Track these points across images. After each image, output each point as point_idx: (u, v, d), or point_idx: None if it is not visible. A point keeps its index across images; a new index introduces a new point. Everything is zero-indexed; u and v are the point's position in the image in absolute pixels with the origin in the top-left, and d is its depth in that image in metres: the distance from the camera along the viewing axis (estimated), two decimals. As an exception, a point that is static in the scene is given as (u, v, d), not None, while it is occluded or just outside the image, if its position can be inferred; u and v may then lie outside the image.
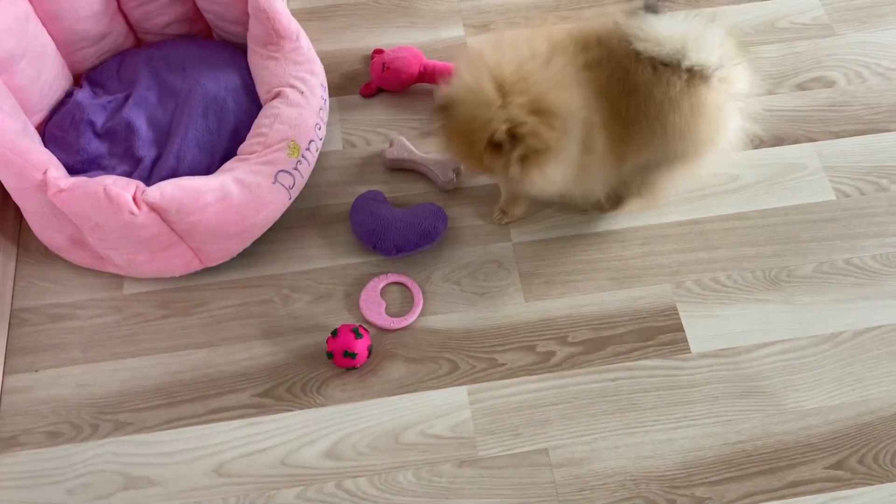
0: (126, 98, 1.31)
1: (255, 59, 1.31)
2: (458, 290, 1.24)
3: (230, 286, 1.25)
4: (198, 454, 1.11)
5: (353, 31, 1.52)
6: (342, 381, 1.16)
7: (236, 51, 1.37)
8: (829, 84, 1.44)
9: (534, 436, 1.12)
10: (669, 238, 1.28)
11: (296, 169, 1.22)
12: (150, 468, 1.10)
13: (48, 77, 1.27)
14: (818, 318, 1.21)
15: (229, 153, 1.26)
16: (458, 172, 1.32)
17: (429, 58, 1.43)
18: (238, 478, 1.09)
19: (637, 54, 1.03)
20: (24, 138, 1.11)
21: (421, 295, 1.23)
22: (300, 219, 1.31)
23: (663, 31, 1.01)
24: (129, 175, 1.23)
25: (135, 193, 1.08)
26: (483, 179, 1.34)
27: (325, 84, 1.32)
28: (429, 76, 1.41)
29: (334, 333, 1.14)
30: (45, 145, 1.24)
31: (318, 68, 1.31)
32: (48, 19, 1.26)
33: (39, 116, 1.27)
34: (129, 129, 1.27)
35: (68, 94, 1.33)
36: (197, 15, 1.40)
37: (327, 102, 1.32)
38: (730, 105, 1.07)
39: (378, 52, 1.45)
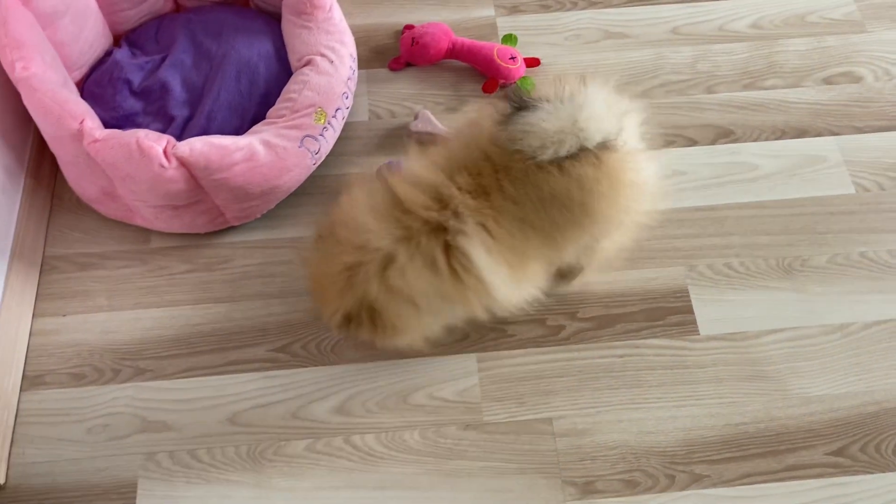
0: (162, 59, 1.36)
1: (288, 27, 1.34)
2: (474, 262, 1.26)
3: (253, 246, 1.28)
4: (213, 403, 1.15)
5: (385, 7, 1.54)
6: (355, 341, 1.20)
7: (270, 19, 1.41)
8: (856, 80, 1.44)
9: (538, 405, 1.15)
10: (685, 222, 1.30)
11: (321, 135, 1.25)
12: (166, 413, 1.14)
13: (89, 35, 1.32)
14: (829, 308, 1.22)
15: (258, 117, 1.30)
16: (480, 148, 1.35)
17: (458, 35, 1.45)
18: (250, 427, 1.13)
19: (538, 164, 0.93)
20: (63, 89, 1.15)
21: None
22: (323, 185, 1.34)
23: (552, 124, 0.91)
24: (163, 133, 1.27)
25: (165, 147, 1.12)
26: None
27: (355, 55, 1.35)
28: (457, 53, 1.43)
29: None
30: (84, 101, 1.28)
31: (349, 39, 1.34)
32: (92, -21, 1.30)
33: (79, 73, 1.32)
34: (164, 88, 1.31)
35: (108, 54, 1.37)
36: (235, -17, 1.44)
37: (356, 73, 1.35)
38: (641, 159, 0.99)
39: (408, 27, 1.48)
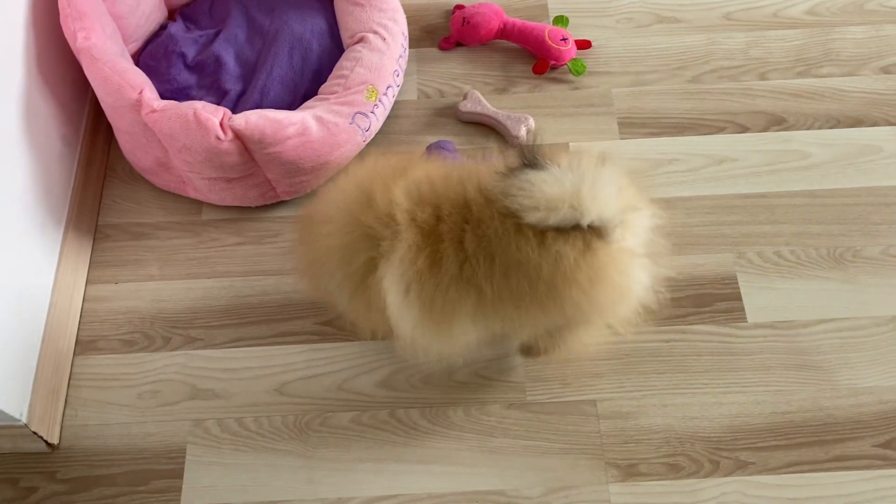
0: (216, 34, 1.37)
1: (341, 4, 1.35)
2: (520, 242, 1.26)
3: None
4: (261, 373, 1.17)
5: (436, -13, 1.55)
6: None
7: (323, -4, 1.41)
8: (915, 69, 1.41)
9: (583, 387, 1.15)
10: (735, 209, 1.29)
11: (372, 112, 1.26)
12: (215, 382, 1.16)
13: (146, 9, 1.33)
14: (880, 300, 1.20)
15: (310, 93, 1.31)
16: (528, 130, 1.34)
17: (509, 15, 1.45)
18: (297, 398, 1.15)
19: (518, 226, 0.86)
20: (123, 60, 1.17)
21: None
22: (372, 162, 1.35)
23: (552, 189, 0.84)
24: (215, 106, 1.29)
25: (222, 119, 1.13)
26: (552, 138, 1.35)
27: (406, 33, 1.35)
28: (508, 33, 1.43)
29: None
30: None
31: (401, 17, 1.35)
32: (150, -48, 1.32)
33: (135, 45, 1.34)
34: (218, 63, 1.32)
35: (162, 27, 1.39)
36: (288, -40, 1.45)
37: (407, 51, 1.35)
38: (634, 264, 0.91)
39: (459, 6, 1.48)
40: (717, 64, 1.44)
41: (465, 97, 1.38)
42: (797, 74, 1.42)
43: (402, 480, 1.09)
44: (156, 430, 1.13)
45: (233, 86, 1.31)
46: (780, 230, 1.27)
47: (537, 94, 1.41)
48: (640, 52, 1.46)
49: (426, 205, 0.91)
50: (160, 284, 1.25)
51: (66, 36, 1.16)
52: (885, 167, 1.31)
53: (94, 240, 1.29)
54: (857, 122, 1.36)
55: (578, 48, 1.43)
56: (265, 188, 1.24)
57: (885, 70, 1.41)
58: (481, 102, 1.37)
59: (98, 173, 1.33)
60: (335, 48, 1.34)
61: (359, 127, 1.24)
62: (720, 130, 1.37)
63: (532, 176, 0.85)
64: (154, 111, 1.13)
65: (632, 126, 1.37)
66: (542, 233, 0.86)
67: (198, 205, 1.31)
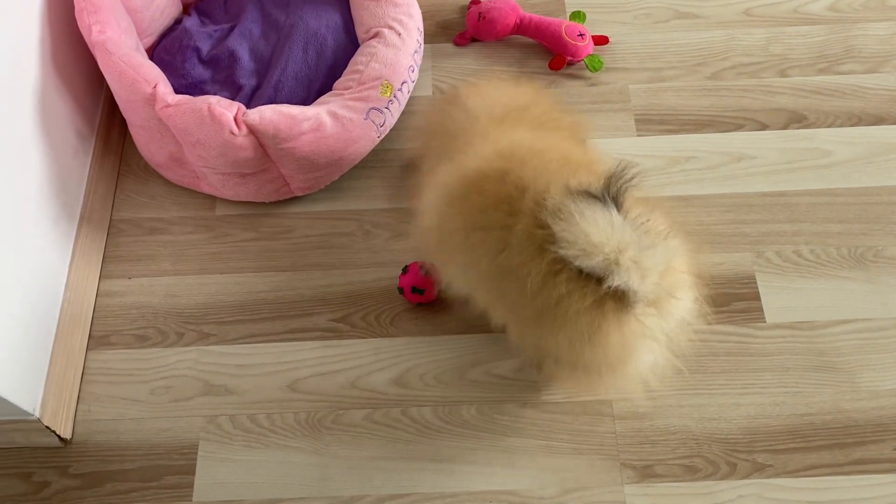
0: (231, 28, 1.37)
1: (356, -1, 1.34)
2: (535, 240, 1.25)
3: (315, 217, 1.29)
4: (274, 369, 1.16)
5: (451, -18, 1.53)
6: (414, 315, 1.20)
7: (338, -9, 1.40)
8: (939, 66, 1.39)
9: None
10: (754, 207, 1.27)
11: (387, 108, 1.25)
12: (228, 378, 1.16)
13: (161, 3, 1.33)
14: (902, 301, 1.18)
15: (325, 88, 1.30)
16: (544, 126, 1.33)
17: (525, 11, 1.44)
18: (310, 395, 1.14)
19: (544, 243, 0.82)
20: (137, 54, 1.16)
21: (498, 241, 1.24)
22: (387, 159, 1.34)
23: (597, 234, 0.78)
24: (229, 101, 1.28)
25: (236, 114, 1.12)
26: (569, 135, 1.34)
27: (422, 28, 1.34)
28: (524, 29, 1.41)
29: (404, 270, 1.17)
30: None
31: (416, 12, 1.33)
32: (166, -54, 1.32)
33: (150, 40, 1.33)
34: (233, 57, 1.32)
35: (177, 22, 1.39)
36: (303, -46, 1.44)
37: (422, 47, 1.34)
38: (642, 344, 0.85)
39: (475, 2, 1.46)
40: (737, 60, 1.42)
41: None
42: (818, 71, 1.40)
43: (415, 479, 1.08)
44: (168, 425, 1.13)
45: (247, 81, 1.30)
46: (800, 229, 1.25)
47: (553, 91, 1.40)
48: (658, 48, 1.44)
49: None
50: (173, 280, 1.24)
51: (81, 29, 1.16)
52: (907, 166, 1.29)
53: (107, 235, 1.28)
54: (878, 120, 1.34)
55: (595, 44, 1.42)
56: (279, 184, 1.24)
57: (909, 67, 1.39)
58: (497, 98, 1.35)
59: (112, 168, 1.33)
60: (350, 43, 1.33)
61: (373, 122, 1.23)
62: (739, 128, 1.35)
63: (587, 210, 0.78)
64: (168, 106, 1.12)
65: (649, 123, 1.36)
66: (565, 265, 0.81)
67: (211, 200, 1.31)
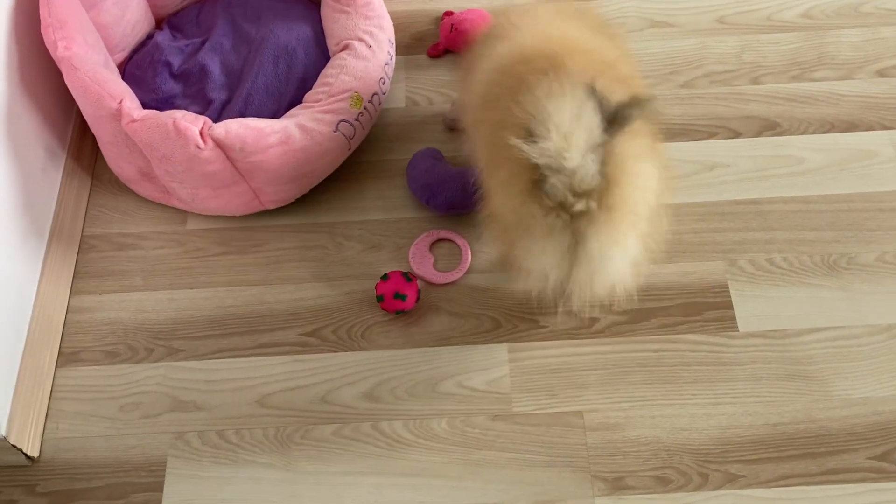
0: (202, 43, 1.36)
1: (327, 12, 1.34)
2: (507, 251, 1.25)
3: (287, 230, 1.28)
4: (243, 384, 1.15)
5: (425, -7, 1.54)
6: (386, 328, 1.19)
7: (310, 4, 1.40)
8: (912, 72, 1.39)
9: (570, 398, 1.13)
10: (726, 216, 1.26)
11: (357, 120, 1.25)
12: (197, 393, 1.15)
13: (132, 18, 1.33)
14: (876, 308, 1.18)
15: (296, 101, 1.29)
16: (517, 136, 1.33)
17: (498, 22, 1.44)
18: (279, 410, 1.13)
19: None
20: (104, 70, 1.16)
21: (469, 252, 1.24)
22: (358, 171, 1.33)
23: (558, 117, 0.82)
24: (200, 115, 1.28)
25: (202, 128, 1.12)
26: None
27: (393, 41, 1.34)
28: (496, 39, 1.41)
29: (384, 277, 1.17)
30: (124, 81, 1.29)
31: (388, 24, 1.33)
32: (135, -38, 1.32)
33: (121, 55, 1.33)
34: (203, 71, 1.31)
35: (149, 36, 1.38)
36: (276, -32, 1.44)
37: (394, 59, 1.34)
38: (553, 233, 0.89)
39: (448, 13, 1.46)
40: (710, 68, 1.42)
41: (452, 104, 1.37)
42: (791, 78, 1.40)
43: (385, 494, 1.07)
44: (137, 442, 1.12)
45: (217, 94, 1.30)
46: (773, 237, 1.24)
47: (526, 101, 1.39)
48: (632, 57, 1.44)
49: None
50: (144, 295, 1.24)
51: (47, 45, 1.15)
52: (880, 172, 1.29)
53: (78, 251, 1.28)
54: (851, 127, 1.34)
55: (568, 54, 1.42)
56: (249, 197, 1.23)
57: (881, 73, 1.39)
58: (469, 109, 1.35)
59: (83, 184, 1.32)
60: (322, 56, 1.33)
61: (343, 135, 1.23)
62: (712, 136, 1.34)
63: (570, 97, 0.82)
64: (134, 121, 1.12)
65: (622, 132, 1.35)
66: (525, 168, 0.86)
67: (183, 214, 1.30)
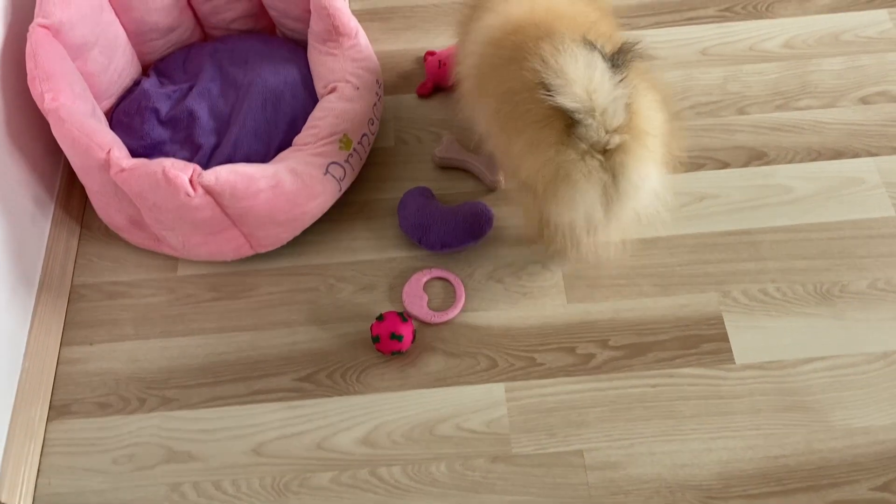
0: (190, 88, 1.36)
1: (314, 54, 1.34)
2: (501, 289, 1.24)
3: (278, 273, 1.28)
4: (238, 433, 1.14)
5: (411, 33, 1.54)
6: (381, 370, 1.18)
7: (297, 47, 1.41)
8: (894, 99, 1.40)
9: (569, 437, 1.12)
10: (718, 247, 1.27)
11: (347, 162, 1.25)
12: (191, 444, 1.13)
13: (118, 65, 1.33)
14: (871, 336, 1.18)
15: (285, 144, 1.29)
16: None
17: (484, 60, 1.44)
18: (275, 458, 1.11)
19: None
20: (91, 119, 1.16)
21: (463, 291, 1.23)
22: (349, 211, 1.33)
23: (573, 71, 0.91)
24: (189, 161, 1.28)
25: (192, 176, 1.12)
26: (532, 181, 1.34)
27: (381, 81, 1.35)
28: (483, 77, 1.42)
29: (380, 318, 1.16)
30: (112, 130, 1.29)
31: (375, 66, 1.34)
32: (121, 10, 1.32)
33: (108, 102, 1.33)
34: (192, 117, 1.31)
35: (136, 83, 1.38)
36: (262, 12, 1.45)
37: (381, 99, 1.35)
38: (581, 179, 0.96)
39: (430, 53, 1.47)
40: (696, 100, 1.43)
41: (441, 142, 1.37)
42: (776, 108, 1.41)
43: (385, 541, 1.05)
44: (131, 496, 1.10)
45: (206, 140, 1.30)
46: (765, 267, 1.24)
47: (515, 137, 1.40)
48: (617, 90, 1.45)
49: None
50: (135, 344, 1.22)
51: (34, 97, 1.15)
52: (867, 199, 1.30)
53: (68, 300, 1.26)
54: (837, 155, 1.35)
55: (555, 89, 1.42)
56: (239, 242, 1.22)
57: (864, 101, 1.40)
58: (457, 147, 1.36)
59: (72, 233, 1.31)
60: (309, 99, 1.34)
61: (334, 177, 1.23)
62: (700, 167, 1.35)
63: (578, 53, 0.90)
64: (123, 170, 1.11)
65: (611, 166, 1.36)
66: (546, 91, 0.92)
67: (173, 261, 1.29)
